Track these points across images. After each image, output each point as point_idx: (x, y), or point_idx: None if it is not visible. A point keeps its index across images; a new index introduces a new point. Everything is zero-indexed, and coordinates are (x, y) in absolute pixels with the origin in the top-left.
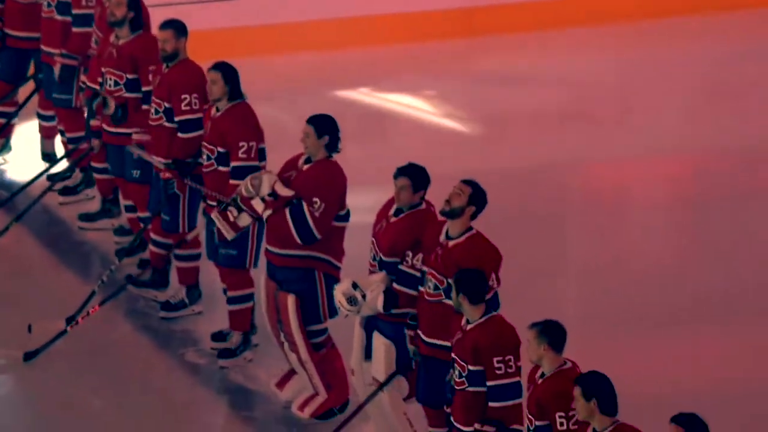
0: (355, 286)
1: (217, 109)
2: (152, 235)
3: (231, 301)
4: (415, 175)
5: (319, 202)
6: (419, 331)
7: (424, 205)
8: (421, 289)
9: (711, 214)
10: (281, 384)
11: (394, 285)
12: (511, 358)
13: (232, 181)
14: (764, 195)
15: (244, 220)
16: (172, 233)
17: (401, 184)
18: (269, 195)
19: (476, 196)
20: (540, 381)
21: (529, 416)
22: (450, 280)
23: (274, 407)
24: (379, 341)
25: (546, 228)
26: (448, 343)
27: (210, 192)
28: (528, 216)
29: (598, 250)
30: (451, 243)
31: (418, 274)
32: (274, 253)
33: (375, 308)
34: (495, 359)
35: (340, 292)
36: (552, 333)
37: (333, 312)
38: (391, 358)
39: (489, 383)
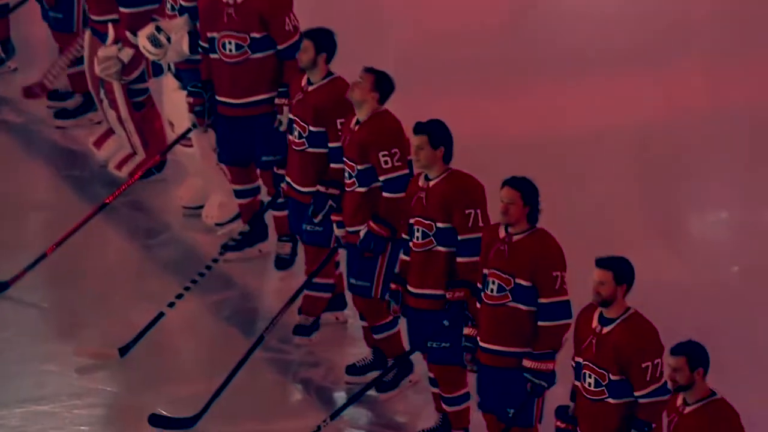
0: (158, 29)
1: None
2: None
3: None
4: None
5: None
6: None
7: None
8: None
9: None
10: (99, 143)
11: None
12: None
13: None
14: None
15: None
16: None
17: None
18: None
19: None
20: (356, 127)
21: (350, 162)
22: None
23: (93, 168)
24: (181, 95)
25: None
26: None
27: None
28: None
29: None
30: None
31: None
32: None
33: (181, 51)
34: (338, 120)
35: (143, 36)
36: (384, 84)
37: (157, 71)
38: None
39: (330, 145)
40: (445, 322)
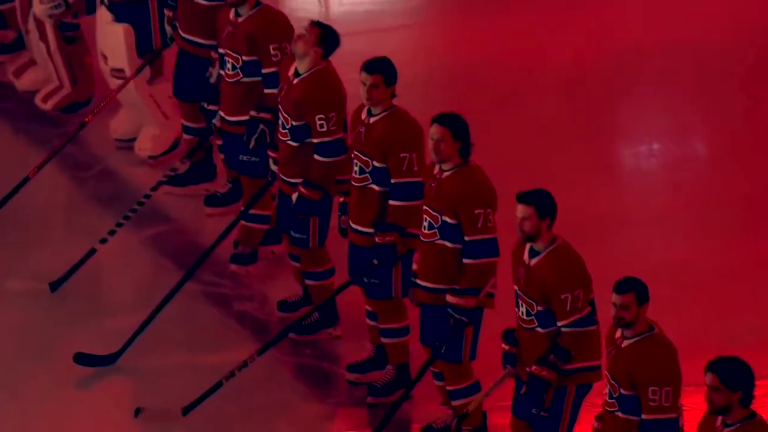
0: None
1: None
2: None
3: None
4: None
5: None
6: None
7: None
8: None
9: None
10: (18, 73)
11: None
12: (286, 45)
13: None
14: None
15: None
16: None
17: None
18: None
19: None
20: (295, 80)
21: (285, 114)
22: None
23: (22, 99)
24: (115, 28)
25: None
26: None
27: None
28: None
29: None
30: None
31: None
32: None
33: None
34: (271, 46)
35: None
36: (328, 39)
37: (91, 9)
38: (131, 42)
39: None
40: (375, 261)
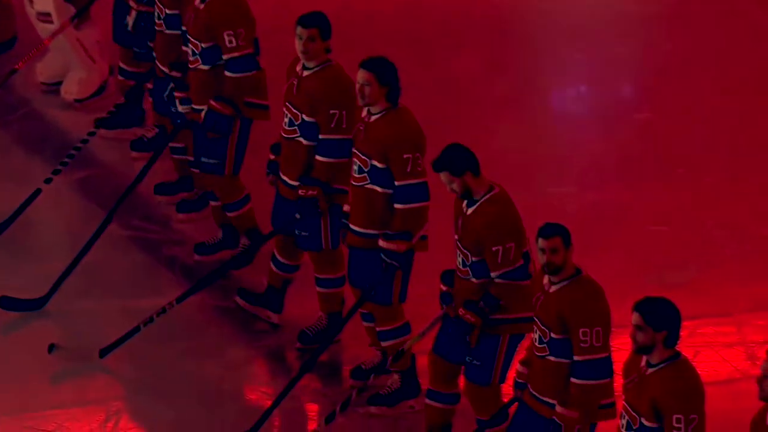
0: None
1: None
2: None
3: None
4: None
5: None
6: None
7: None
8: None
9: None
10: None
11: None
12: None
13: None
14: None
15: None
16: None
17: None
18: None
19: None
20: (201, 6)
21: (194, 41)
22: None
23: None
24: None
25: None
26: None
27: None
28: None
29: None
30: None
31: None
32: None
33: None
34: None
35: None
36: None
37: None
38: None
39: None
40: (297, 216)
